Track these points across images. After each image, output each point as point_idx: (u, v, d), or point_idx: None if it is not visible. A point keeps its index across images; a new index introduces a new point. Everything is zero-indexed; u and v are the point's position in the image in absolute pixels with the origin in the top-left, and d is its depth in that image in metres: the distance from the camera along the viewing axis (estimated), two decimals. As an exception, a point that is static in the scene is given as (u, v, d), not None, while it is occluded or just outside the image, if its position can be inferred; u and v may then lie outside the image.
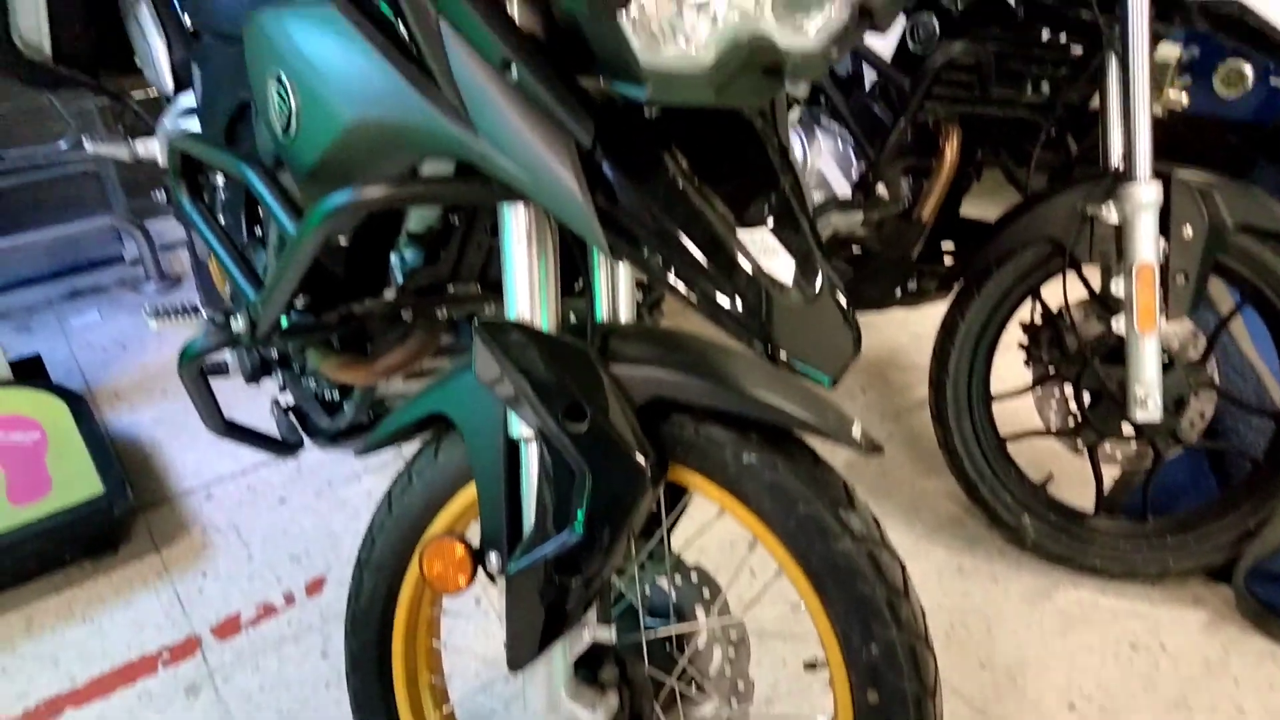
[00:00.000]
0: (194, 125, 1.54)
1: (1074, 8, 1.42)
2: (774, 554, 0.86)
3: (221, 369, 1.49)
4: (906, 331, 2.15)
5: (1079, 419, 1.50)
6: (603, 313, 0.89)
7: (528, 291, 0.84)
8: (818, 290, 0.73)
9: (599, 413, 0.80)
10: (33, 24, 1.62)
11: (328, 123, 0.82)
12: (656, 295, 1.25)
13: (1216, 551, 1.44)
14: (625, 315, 0.90)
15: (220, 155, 0.99)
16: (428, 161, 0.87)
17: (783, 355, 0.71)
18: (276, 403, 1.40)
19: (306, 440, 1.38)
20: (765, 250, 0.73)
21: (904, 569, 0.85)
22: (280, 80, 0.86)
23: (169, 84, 1.59)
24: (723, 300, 0.70)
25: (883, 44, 1.51)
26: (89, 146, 1.74)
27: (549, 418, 0.80)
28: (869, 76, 1.58)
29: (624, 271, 0.90)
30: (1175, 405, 1.44)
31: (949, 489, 1.67)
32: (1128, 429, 1.46)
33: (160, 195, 1.86)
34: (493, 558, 0.90)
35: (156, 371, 1.99)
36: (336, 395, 1.30)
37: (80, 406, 1.63)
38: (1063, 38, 1.50)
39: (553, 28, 0.72)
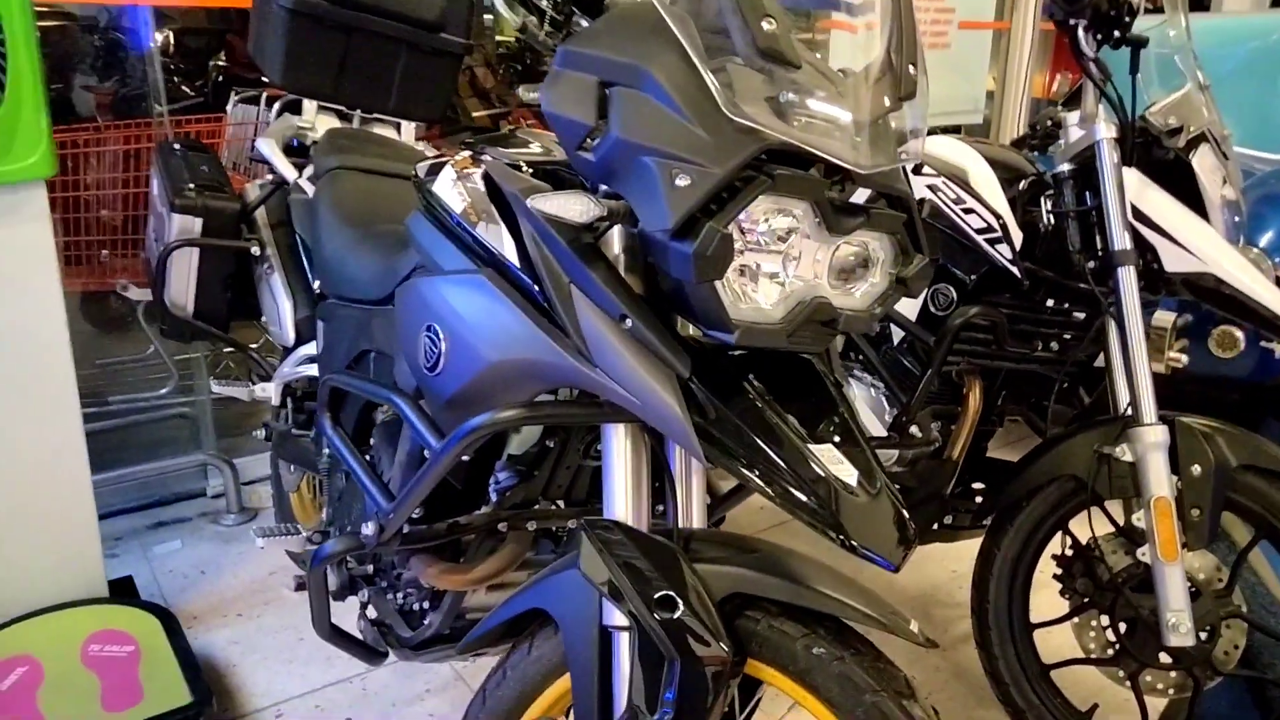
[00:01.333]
0: (309, 371, 1.78)
1: (1074, 280, 1.66)
2: (842, 742, 0.94)
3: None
4: (945, 570, 2.24)
5: (1117, 647, 1.57)
6: (681, 520, 1.04)
7: (625, 496, 1.00)
8: (877, 490, 0.88)
9: (687, 604, 0.92)
10: (182, 289, 1.92)
11: (472, 362, 1.02)
12: (719, 516, 1.39)
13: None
14: (698, 523, 1.05)
15: (372, 387, 1.19)
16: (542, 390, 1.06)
17: (853, 543, 0.85)
18: (365, 615, 1.52)
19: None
20: (833, 461, 0.89)
21: (962, 757, 0.93)
22: (432, 329, 1.08)
23: (291, 337, 1.85)
24: (800, 497, 0.85)
25: (908, 306, 1.75)
26: (216, 387, 1.98)
27: (643, 606, 0.92)
28: (896, 333, 1.81)
29: (697, 485, 1.06)
30: (1208, 635, 1.51)
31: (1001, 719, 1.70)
32: (1166, 658, 1.53)
33: (260, 433, 2.07)
34: (585, 744, 0.98)
35: (233, 596, 2.11)
36: (426, 605, 1.42)
37: (171, 622, 1.75)
38: (1066, 304, 1.74)
39: (654, 290, 0.94)
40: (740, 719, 1.02)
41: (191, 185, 1.88)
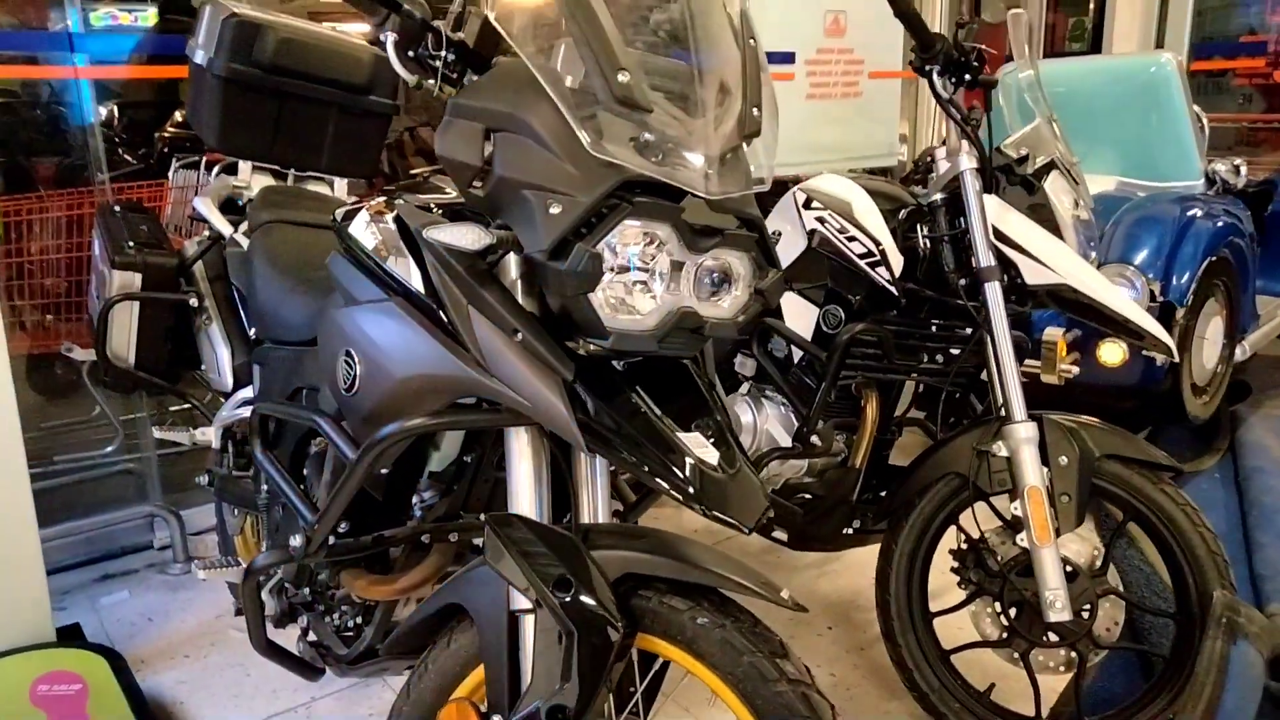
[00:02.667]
0: (247, 414, 1.87)
1: (951, 297, 1.82)
2: (726, 700, 1.06)
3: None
4: (864, 577, 2.35)
5: (1009, 630, 1.70)
6: (584, 516, 1.16)
7: (527, 493, 1.11)
8: (736, 469, 1.01)
9: (582, 585, 1.04)
10: (123, 341, 2.01)
11: (384, 379, 1.14)
12: (635, 516, 1.50)
13: (1144, 743, 1.59)
14: (603, 518, 1.17)
15: (296, 410, 1.30)
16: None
17: (714, 512, 0.98)
18: (304, 635, 1.60)
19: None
20: (698, 445, 1.02)
21: (833, 707, 1.05)
22: (349, 354, 1.20)
23: (229, 382, 1.94)
24: (670, 476, 0.98)
25: (803, 326, 1.91)
26: (158, 433, 2.06)
27: (544, 589, 1.04)
28: (798, 354, 1.96)
29: (601, 488, 1.18)
30: (1089, 613, 1.65)
31: (911, 709, 1.81)
32: (1052, 637, 1.66)
33: (203, 479, 2.15)
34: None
35: (180, 639, 2.16)
36: (360, 620, 1.50)
37: (119, 661, 1.81)
38: (950, 320, 1.90)
39: (544, 309, 1.07)
40: (640, 690, 1.13)
41: (131, 243, 1.98)
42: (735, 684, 1.05)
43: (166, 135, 4.02)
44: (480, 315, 1.06)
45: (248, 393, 1.87)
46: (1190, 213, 2.72)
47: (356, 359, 1.19)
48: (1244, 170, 3.02)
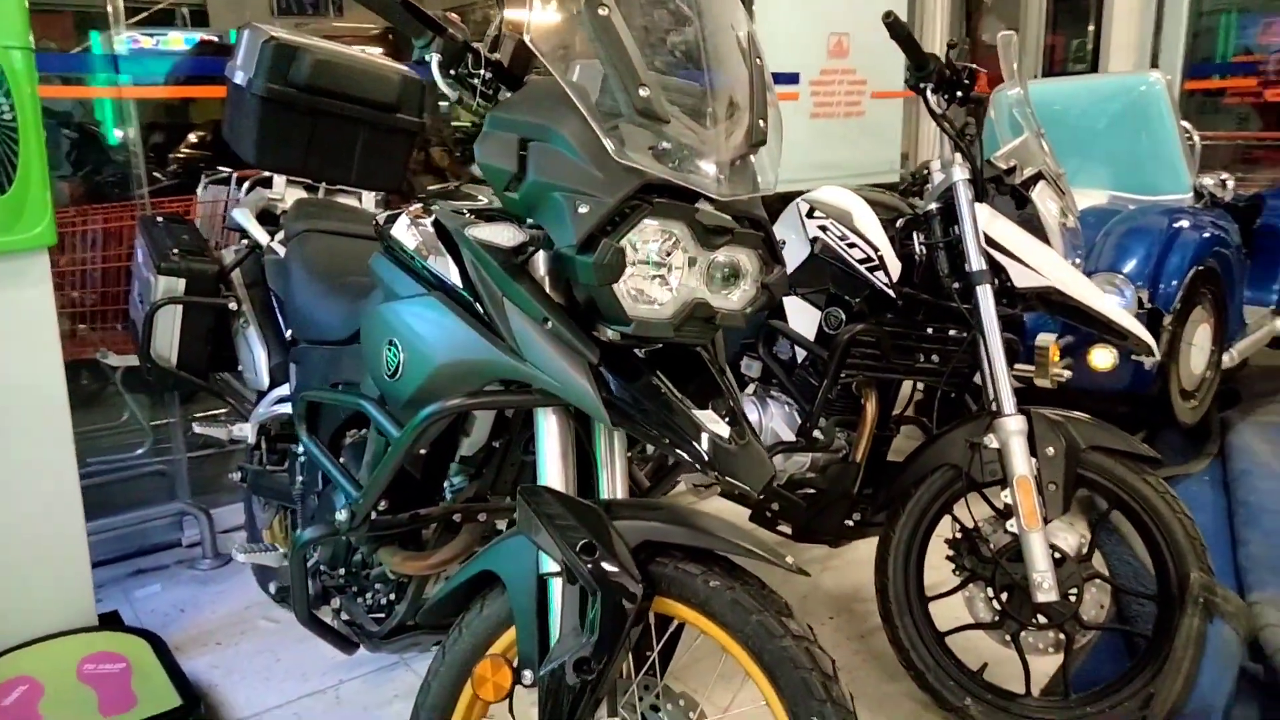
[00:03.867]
0: (282, 410, 1.99)
1: (946, 300, 1.94)
2: (736, 656, 1.16)
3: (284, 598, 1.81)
4: (865, 573, 2.44)
5: (1000, 613, 1.80)
6: (605, 493, 1.27)
7: (556, 468, 1.23)
8: (745, 442, 1.13)
9: (605, 550, 1.15)
10: (167, 342, 2.14)
11: (424, 365, 1.26)
12: (661, 492, 1.60)
13: (1127, 715, 1.68)
14: (621, 493, 1.28)
15: (343, 396, 1.42)
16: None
17: (726, 478, 1.09)
18: (337, 615, 1.71)
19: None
20: (712, 421, 1.14)
21: (833, 661, 1.16)
22: (392, 343, 1.31)
23: (265, 381, 2.06)
24: (687, 447, 1.10)
25: (806, 328, 2.02)
26: (196, 428, 2.18)
27: (571, 553, 1.14)
28: (801, 356, 2.08)
29: (620, 467, 1.29)
30: (1076, 595, 1.75)
31: (909, 690, 1.91)
32: (1041, 619, 1.76)
33: (235, 475, 2.26)
34: (526, 674, 1.19)
35: (212, 628, 2.27)
36: (392, 596, 1.61)
37: (159, 643, 1.92)
38: (945, 323, 2.02)
39: (570, 300, 1.19)
40: (656, 652, 1.24)
41: (175, 250, 2.11)
42: (744, 640, 1.15)
43: (181, 155, 4.18)
44: (514, 306, 1.18)
45: (283, 390, 1.99)
46: (1178, 224, 2.84)
47: (400, 348, 1.30)
48: (1231, 184, 3.13)
